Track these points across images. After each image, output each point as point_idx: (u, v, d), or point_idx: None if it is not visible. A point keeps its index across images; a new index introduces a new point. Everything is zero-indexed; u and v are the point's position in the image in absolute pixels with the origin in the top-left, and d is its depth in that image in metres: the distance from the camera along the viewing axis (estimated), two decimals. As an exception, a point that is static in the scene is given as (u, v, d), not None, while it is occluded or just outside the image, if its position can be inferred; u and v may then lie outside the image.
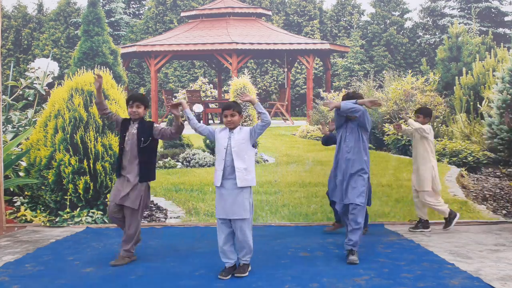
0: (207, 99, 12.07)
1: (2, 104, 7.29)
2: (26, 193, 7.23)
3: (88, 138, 6.99)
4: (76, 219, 6.85)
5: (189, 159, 8.92)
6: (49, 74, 8.55)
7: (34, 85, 8.39)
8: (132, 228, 4.81)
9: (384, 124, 9.81)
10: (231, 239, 4.37)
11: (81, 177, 6.87)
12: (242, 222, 4.28)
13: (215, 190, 4.42)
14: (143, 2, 13.45)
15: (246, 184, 4.28)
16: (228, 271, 4.30)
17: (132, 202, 4.72)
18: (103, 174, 6.96)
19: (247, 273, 4.34)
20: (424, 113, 6.24)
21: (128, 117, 4.84)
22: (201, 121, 11.51)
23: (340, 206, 5.01)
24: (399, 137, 9.36)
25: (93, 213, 6.93)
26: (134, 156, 4.72)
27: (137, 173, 4.71)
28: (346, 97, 5.24)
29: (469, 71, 9.81)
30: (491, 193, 7.64)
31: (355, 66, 12.00)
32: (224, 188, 4.31)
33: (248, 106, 10.32)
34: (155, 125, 4.84)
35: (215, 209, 4.47)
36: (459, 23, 10.90)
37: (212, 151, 8.89)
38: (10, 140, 7.48)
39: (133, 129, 4.76)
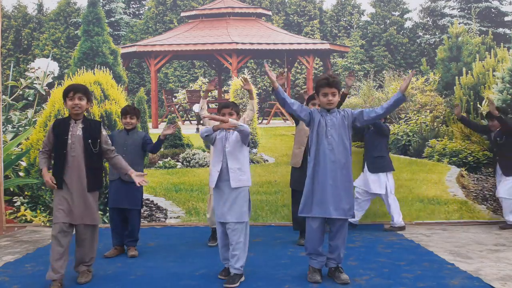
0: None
1: (2, 104, 7.29)
2: (26, 193, 7.23)
3: (88, 138, 6.98)
4: (76, 219, 6.84)
5: (189, 159, 8.92)
6: (49, 74, 8.55)
7: (34, 85, 8.40)
8: (95, 246, 4.26)
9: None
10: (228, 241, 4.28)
11: (81, 177, 6.86)
12: (237, 225, 4.10)
13: (212, 192, 4.33)
14: (143, 2, 13.44)
15: (241, 185, 4.13)
16: (228, 271, 4.28)
17: (92, 217, 4.11)
18: (103, 174, 6.95)
19: (237, 284, 4.02)
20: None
21: (61, 116, 4.27)
22: (201, 121, 11.50)
23: (318, 222, 4.07)
24: (399, 137, 9.36)
25: (93, 213, 6.92)
26: (80, 162, 4.02)
27: (86, 182, 4.03)
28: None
29: (469, 71, 9.81)
30: (491, 193, 7.64)
31: (355, 66, 11.99)
32: (221, 191, 4.18)
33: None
34: (103, 131, 4.18)
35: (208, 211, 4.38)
36: (459, 23, 10.89)
37: (212, 151, 8.88)
38: (10, 140, 7.49)
39: (77, 130, 4.05)
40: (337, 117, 4.07)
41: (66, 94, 4.08)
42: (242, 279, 4.15)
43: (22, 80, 8.51)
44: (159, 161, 8.69)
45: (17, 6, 11.91)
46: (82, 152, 4.01)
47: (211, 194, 5.43)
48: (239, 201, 4.13)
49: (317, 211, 4.01)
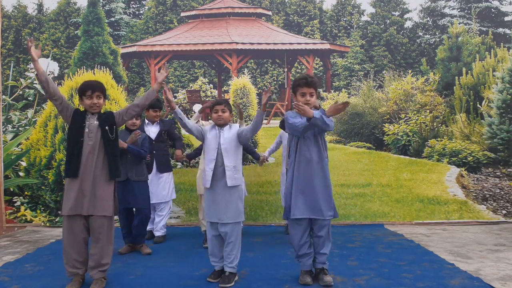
0: (207, 99, 12.07)
1: (2, 104, 7.29)
2: (26, 193, 7.24)
3: (88, 138, 6.99)
4: (76, 219, 6.85)
5: (189, 159, 8.91)
6: (49, 74, 8.55)
7: (34, 85, 8.41)
8: (111, 248, 4.10)
9: (384, 124, 9.82)
10: (221, 242, 4.18)
11: (81, 177, 6.86)
12: (234, 225, 4.08)
13: (204, 191, 4.22)
14: (143, 2, 13.44)
15: (236, 183, 4.08)
16: (218, 273, 4.22)
17: (105, 208, 3.95)
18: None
19: (233, 283, 4.04)
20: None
21: (81, 108, 4.10)
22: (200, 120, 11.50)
23: (305, 225, 4.07)
24: (399, 137, 9.36)
25: (93, 213, 6.93)
26: (99, 150, 3.95)
27: (107, 170, 3.97)
28: None
29: (469, 71, 9.82)
30: (491, 193, 7.64)
31: (355, 66, 12.00)
32: (215, 191, 4.10)
33: (248, 106, 10.32)
34: (114, 112, 4.16)
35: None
36: (459, 23, 10.90)
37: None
38: (10, 140, 7.49)
39: (93, 120, 4.00)
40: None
41: (83, 93, 3.97)
42: (236, 278, 4.14)
43: (22, 80, 8.52)
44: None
45: (17, 6, 11.91)
46: (100, 139, 3.96)
47: (201, 194, 5.41)
48: (235, 200, 4.09)
49: (307, 212, 4.01)
